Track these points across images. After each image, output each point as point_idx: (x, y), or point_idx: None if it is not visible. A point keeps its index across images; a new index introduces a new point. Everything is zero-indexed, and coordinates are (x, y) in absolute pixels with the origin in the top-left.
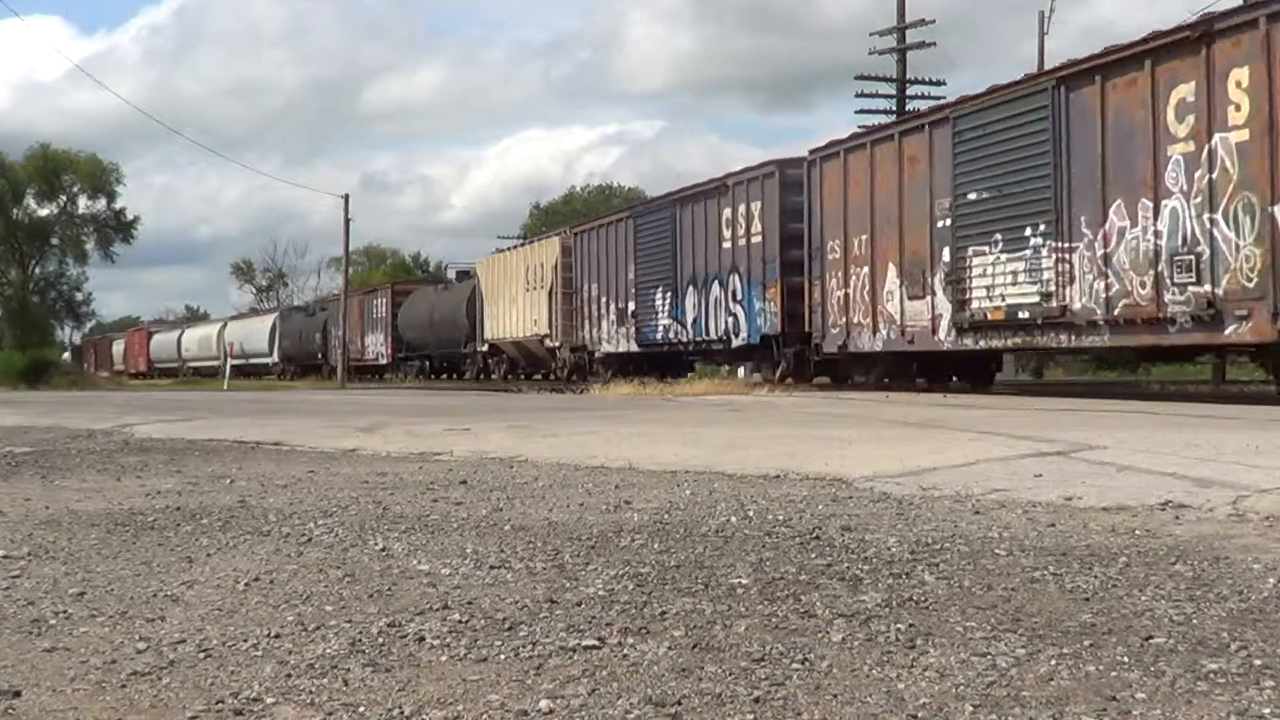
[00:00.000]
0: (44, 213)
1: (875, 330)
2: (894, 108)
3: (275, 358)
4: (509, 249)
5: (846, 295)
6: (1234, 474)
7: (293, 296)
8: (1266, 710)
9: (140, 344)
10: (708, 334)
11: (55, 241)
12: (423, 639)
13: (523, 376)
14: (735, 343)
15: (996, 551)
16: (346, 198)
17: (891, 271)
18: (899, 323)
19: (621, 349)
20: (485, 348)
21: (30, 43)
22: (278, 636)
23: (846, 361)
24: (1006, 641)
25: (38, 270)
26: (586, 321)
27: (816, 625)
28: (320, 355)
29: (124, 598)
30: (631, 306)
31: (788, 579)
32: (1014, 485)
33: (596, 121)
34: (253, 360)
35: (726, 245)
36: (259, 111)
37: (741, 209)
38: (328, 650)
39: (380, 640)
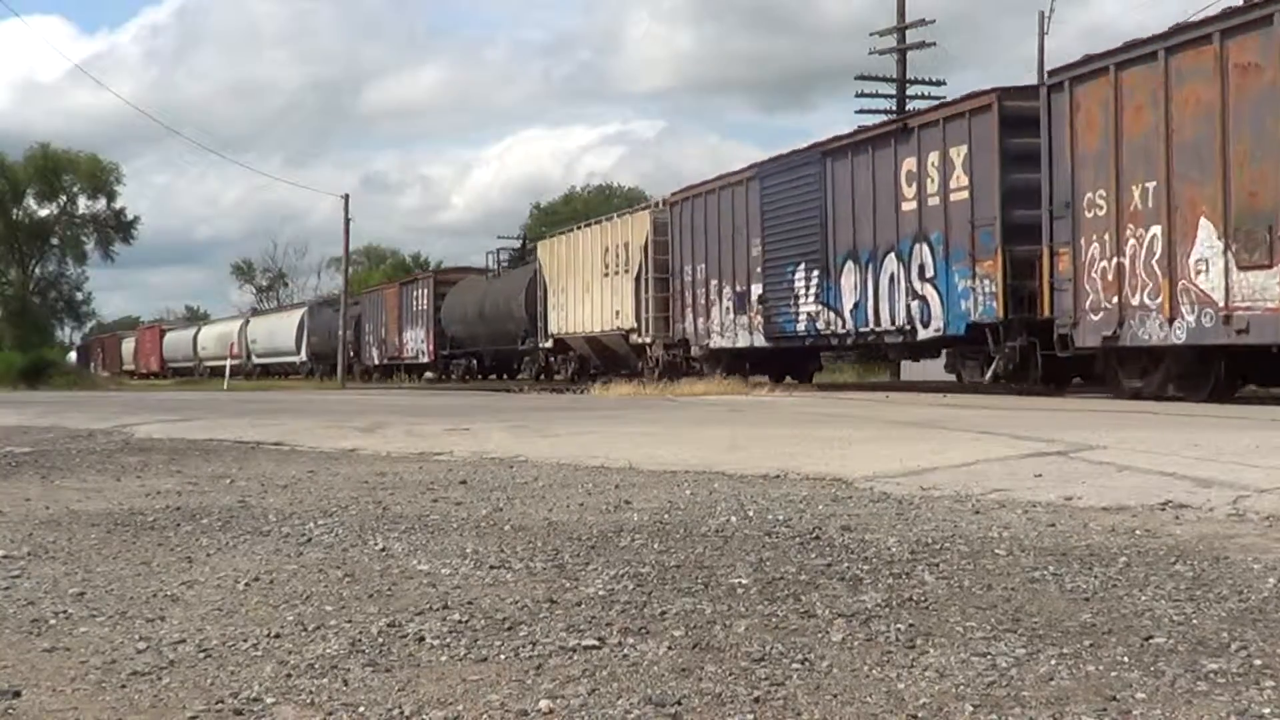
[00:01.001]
0: (44, 213)
1: (1173, 315)
2: (894, 108)
3: (303, 356)
4: (580, 226)
5: (1119, 266)
6: (1234, 474)
7: (293, 296)
8: (1266, 710)
9: (152, 342)
10: (877, 323)
11: (55, 241)
12: (423, 639)
13: (593, 377)
14: (923, 334)
15: (996, 551)
16: (346, 198)
17: (1205, 231)
18: (1221, 304)
19: (741, 343)
20: (549, 344)
21: (30, 43)
22: (278, 636)
23: (1112, 358)
24: (1006, 641)
25: (38, 270)
26: (688, 311)
27: (816, 625)
28: (353, 354)
29: (124, 598)
30: (756, 290)
31: (788, 579)
32: (1014, 485)
33: (597, 121)
34: (279, 359)
35: (909, 206)
36: (259, 111)
37: (933, 157)
38: (328, 650)
39: (380, 640)
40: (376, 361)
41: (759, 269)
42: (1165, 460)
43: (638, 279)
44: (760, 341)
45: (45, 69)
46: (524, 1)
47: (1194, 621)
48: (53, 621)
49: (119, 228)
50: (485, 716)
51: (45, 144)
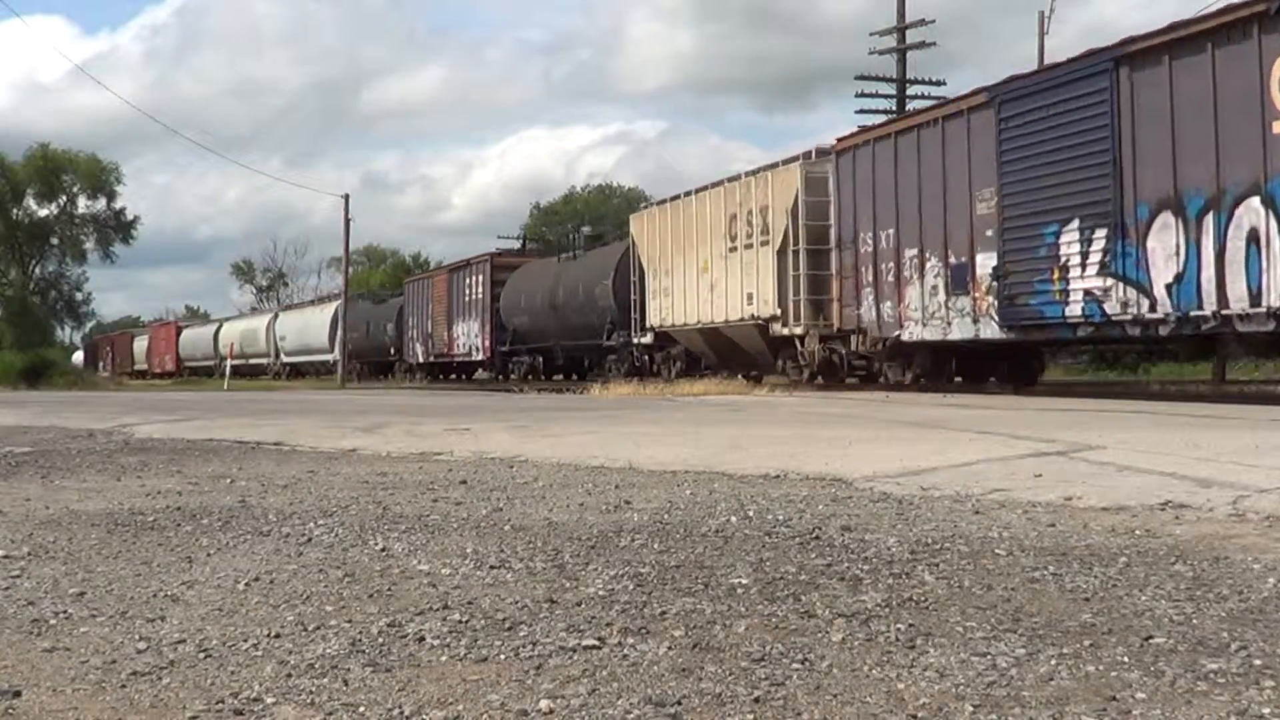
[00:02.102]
0: (44, 213)
1: None
2: (894, 108)
3: (337, 354)
4: (692, 192)
5: None
6: (1234, 474)
7: (293, 296)
8: (1266, 710)
9: (168, 340)
10: (1220, 303)
11: (55, 241)
12: (423, 639)
13: (703, 378)
14: None
15: (996, 551)
16: (347, 198)
17: None
18: None
19: (957, 334)
20: (648, 338)
21: (31, 43)
22: (278, 636)
23: None
24: (1006, 641)
25: (38, 270)
26: (866, 293)
27: (816, 625)
28: (394, 351)
29: (124, 598)
30: (987, 261)
31: (788, 579)
32: (1014, 485)
33: (598, 121)
34: (309, 358)
35: None
36: (259, 111)
37: None
38: (328, 650)
39: (380, 640)
40: (421, 359)
41: (990, 231)
42: (1165, 460)
43: (781, 252)
44: (991, 331)
45: (46, 69)
46: (524, 1)
47: (1194, 621)
48: (53, 621)
49: (119, 228)
50: (485, 716)
51: (45, 144)
